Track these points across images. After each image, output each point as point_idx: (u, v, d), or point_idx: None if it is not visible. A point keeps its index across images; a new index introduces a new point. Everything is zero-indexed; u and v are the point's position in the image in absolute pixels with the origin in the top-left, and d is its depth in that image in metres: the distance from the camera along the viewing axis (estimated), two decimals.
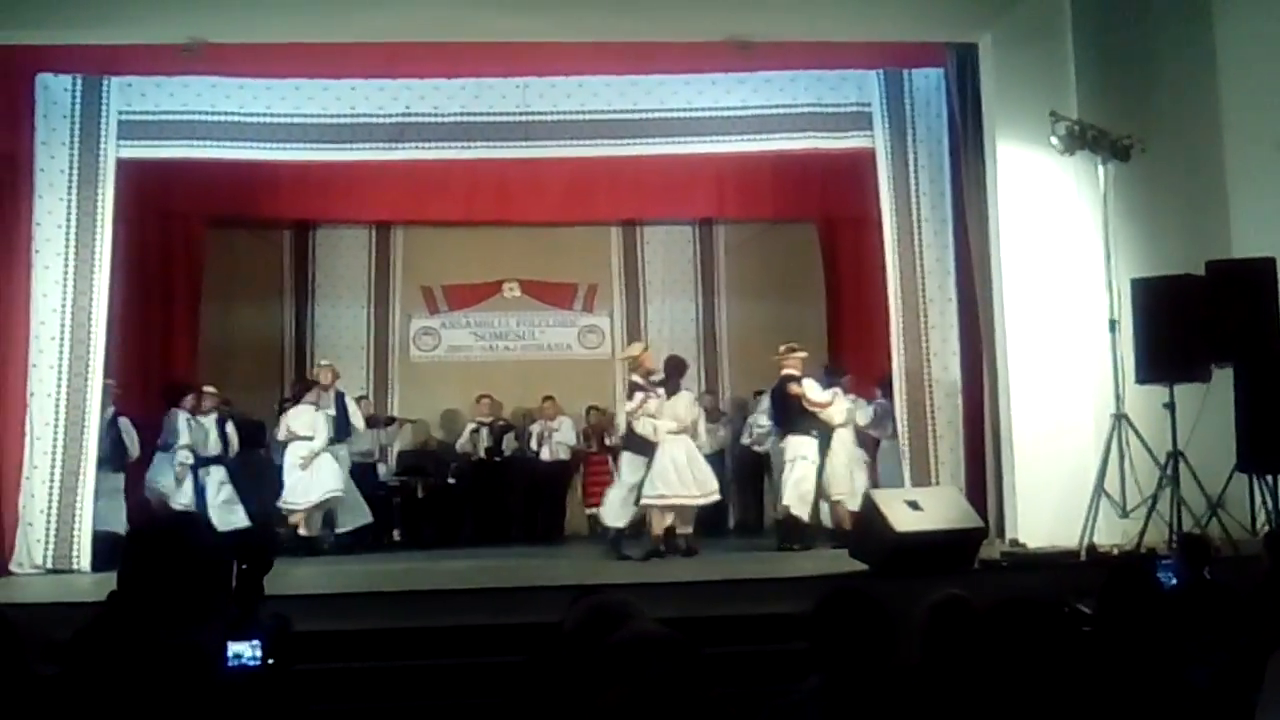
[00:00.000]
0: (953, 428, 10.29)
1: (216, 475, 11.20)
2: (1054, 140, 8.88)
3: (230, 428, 11.42)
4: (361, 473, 12.38)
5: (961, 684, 3.09)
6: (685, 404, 10.34)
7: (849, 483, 10.38)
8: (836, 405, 10.56)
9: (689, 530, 10.18)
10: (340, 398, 11.79)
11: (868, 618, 3.08)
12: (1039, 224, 9.68)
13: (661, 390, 10.31)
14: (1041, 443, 9.41)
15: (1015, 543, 9.10)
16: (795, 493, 10.41)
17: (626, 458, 10.61)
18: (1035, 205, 9.69)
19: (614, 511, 10.37)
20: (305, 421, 11.45)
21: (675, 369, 10.50)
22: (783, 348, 10.93)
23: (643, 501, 10.11)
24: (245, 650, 2.71)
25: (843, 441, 10.59)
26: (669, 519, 10.06)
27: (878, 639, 3.05)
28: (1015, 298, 9.68)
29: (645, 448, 10.21)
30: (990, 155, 9.86)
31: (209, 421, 11.25)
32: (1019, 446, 9.53)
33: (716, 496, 10.35)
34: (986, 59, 9.91)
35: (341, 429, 11.68)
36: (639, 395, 10.36)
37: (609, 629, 2.90)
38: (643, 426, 10.19)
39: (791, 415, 10.73)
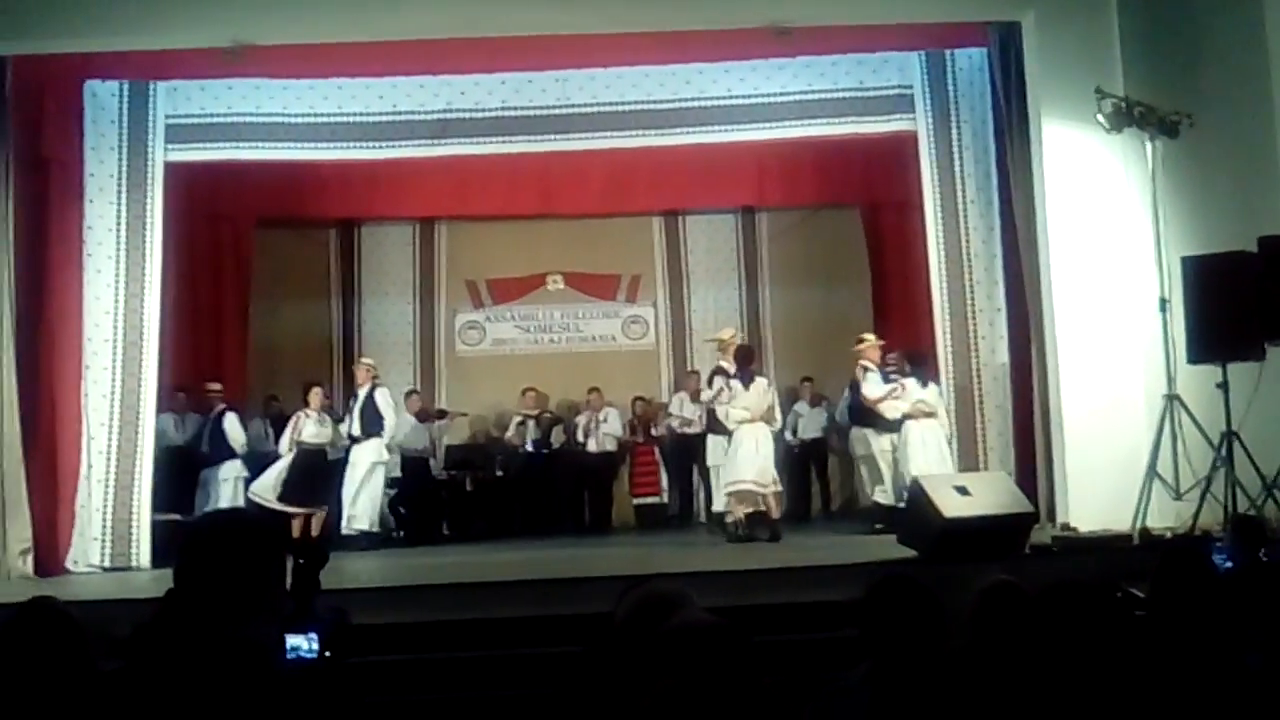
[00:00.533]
0: (1001, 412, 10.22)
1: (218, 474, 11.15)
2: (1100, 118, 8.77)
3: (231, 424, 11.25)
4: (414, 468, 12.45)
5: (1012, 670, 3.08)
6: (759, 392, 10.32)
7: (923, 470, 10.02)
8: (890, 401, 10.52)
9: (777, 516, 10.22)
10: (370, 392, 11.56)
11: (917, 604, 3.07)
12: (1086, 203, 9.57)
13: (735, 381, 10.35)
14: (1092, 425, 9.31)
15: (1066, 527, 9.02)
16: (871, 483, 10.98)
17: (712, 443, 10.77)
18: (1082, 184, 9.58)
19: (720, 498, 10.49)
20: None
21: (745, 358, 10.52)
22: (864, 338, 11.07)
23: (724, 489, 10.26)
24: (302, 643, 2.76)
25: (915, 431, 10.34)
26: (747, 505, 10.12)
27: (927, 625, 3.05)
28: (1063, 279, 9.57)
29: (726, 433, 10.37)
30: (1035, 135, 9.75)
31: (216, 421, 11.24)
32: (1069, 429, 9.44)
33: (773, 489, 10.25)
34: (1030, 37, 9.79)
35: (372, 424, 11.45)
36: (719, 381, 10.41)
37: (660, 618, 2.91)
38: (721, 413, 10.31)
39: (859, 408, 11.09)
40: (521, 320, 14.20)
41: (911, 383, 10.52)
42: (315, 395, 11.58)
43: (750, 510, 10.16)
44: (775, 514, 10.23)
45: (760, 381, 10.45)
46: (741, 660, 2.72)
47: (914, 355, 10.84)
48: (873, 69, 10.58)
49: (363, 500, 11.26)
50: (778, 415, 10.64)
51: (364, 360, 12.15)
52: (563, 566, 9.11)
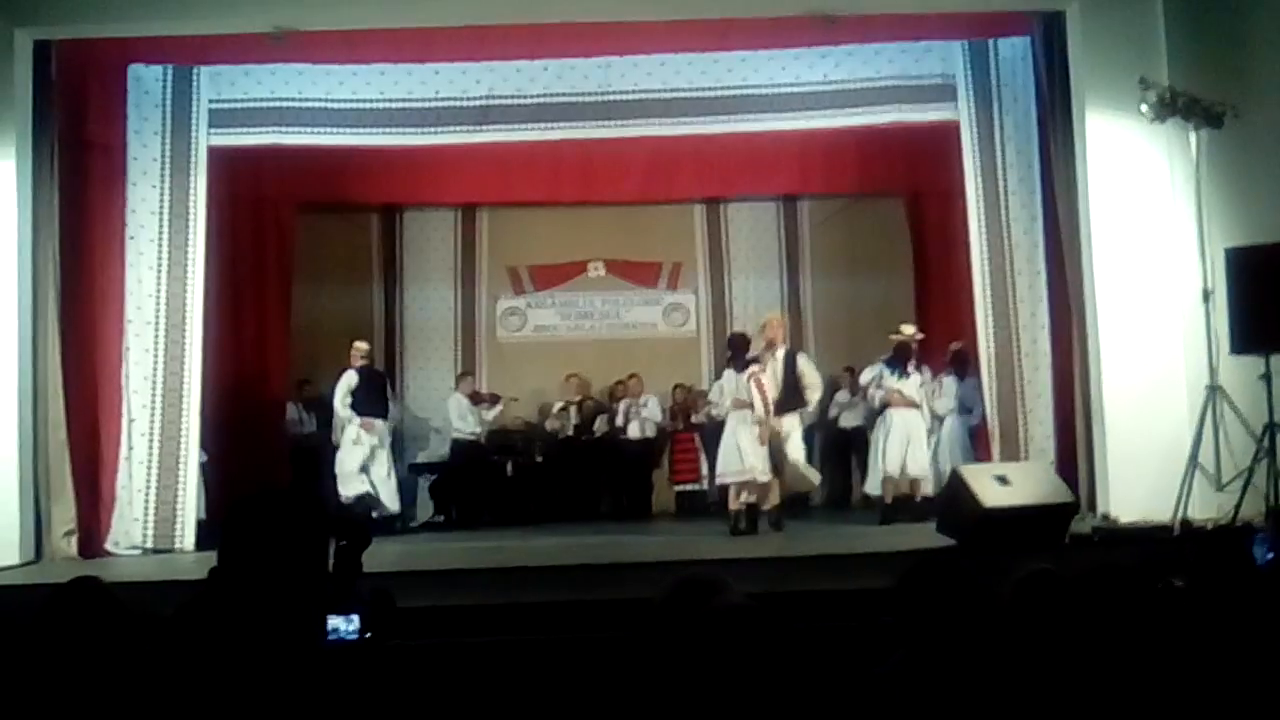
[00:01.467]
0: (1042, 402, 10.16)
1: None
2: (1144, 108, 8.69)
3: None
4: (465, 451, 12.63)
5: (1049, 658, 3.07)
6: (737, 381, 10.23)
7: (895, 461, 10.71)
8: (871, 390, 10.98)
9: (761, 505, 10.12)
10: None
11: (952, 590, 3.07)
12: (1129, 193, 9.50)
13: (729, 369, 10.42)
14: (1134, 416, 9.25)
15: (1107, 517, 8.98)
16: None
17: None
18: (1125, 174, 9.50)
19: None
20: None
21: (732, 344, 10.58)
22: (899, 329, 11.20)
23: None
24: (343, 624, 2.80)
25: (893, 418, 10.85)
26: (743, 495, 10.07)
27: (963, 612, 3.05)
28: (1106, 269, 9.50)
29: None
30: (1078, 124, 9.66)
31: None
32: (1111, 420, 9.39)
33: (754, 477, 9.98)
34: (1074, 26, 9.71)
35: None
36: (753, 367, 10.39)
37: (698, 603, 2.92)
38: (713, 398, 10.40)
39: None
40: (562, 307, 14.22)
41: (887, 372, 10.91)
42: None
43: (752, 500, 10.08)
44: (750, 503, 10.10)
45: (734, 373, 10.28)
46: (777, 646, 2.73)
47: (899, 347, 11.05)
48: (916, 58, 10.50)
49: (376, 485, 11.43)
50: (757, 402, 10.05)
51: (357, 344, 12.02)
52: (601, 552, 9.14)
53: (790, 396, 10.16)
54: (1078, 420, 9.81)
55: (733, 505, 10.09)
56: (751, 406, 10.00)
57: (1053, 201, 10.06)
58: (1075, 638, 3.10)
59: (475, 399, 12.87)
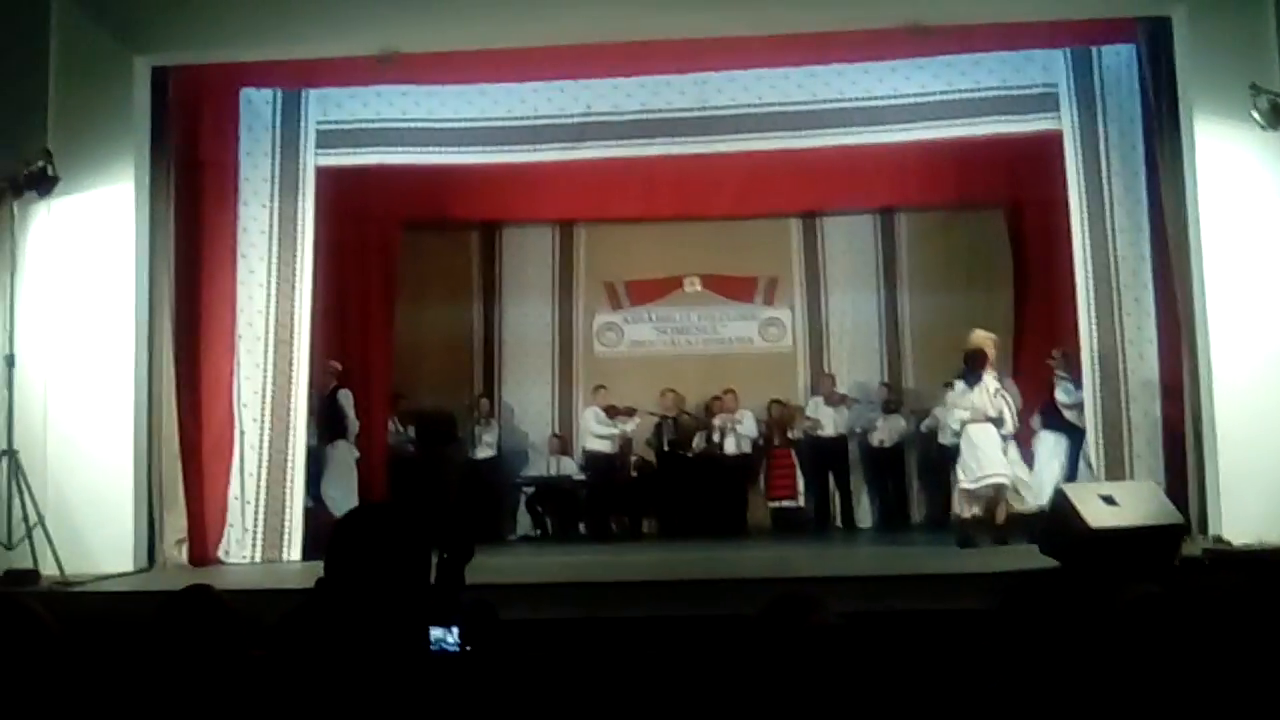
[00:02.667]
0: (1149, 419, 9.93)
1: None
2: (1255, 115, 8.51)
3: None
4: (599, 464, 12.82)
5: (1156, 683, 3.01)
6: (984, 394, 10.17)
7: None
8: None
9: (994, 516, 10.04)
10: (333, 394, 11.56)
11: (1058, 613, 3.03)
12: (1240, 203, 9.25)
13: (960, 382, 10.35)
14: (1246, 434, 8.97)
15: (1219, 539, 8.74)
16: None
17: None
18: (1236, 184, 9.25)
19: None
20: None
21: (971, 360, 10.42)
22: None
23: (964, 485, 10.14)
24: (444, 636, 2.83)
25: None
26: (975, 506, 10.04)
27: (1069, 636, 3.00)
28: (1216, 281, 9.24)
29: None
30: (1186, 133, 9.45)
31: None
32: (1223, 438, 9.11)
33: (999, 480, 9.98)
34: (1181, 32, 9.49)
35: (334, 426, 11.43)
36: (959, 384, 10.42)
37: (793, 621, 2.92)
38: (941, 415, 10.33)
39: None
40: (659, 322, 14.26)
41: (961, 386, 10.37)
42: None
43: (979, 512, 10.01)
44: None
45: (988, 383, 10.22)
46: (871, 667, 2.71)
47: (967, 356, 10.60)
48: (1016, 67, 10.37)
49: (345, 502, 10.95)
50: (1008, 417, 10.18)
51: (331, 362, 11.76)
52: (697, 568, 9.13)
53: None
54: (1187, 438, 9.54)
55: (965, 515, 10.07)
56: (1002, 420, 10.10)
57: (1160, 212, 9.85)
58: (1186, 664, 3.04)
59: (610, 412, 12.96)
